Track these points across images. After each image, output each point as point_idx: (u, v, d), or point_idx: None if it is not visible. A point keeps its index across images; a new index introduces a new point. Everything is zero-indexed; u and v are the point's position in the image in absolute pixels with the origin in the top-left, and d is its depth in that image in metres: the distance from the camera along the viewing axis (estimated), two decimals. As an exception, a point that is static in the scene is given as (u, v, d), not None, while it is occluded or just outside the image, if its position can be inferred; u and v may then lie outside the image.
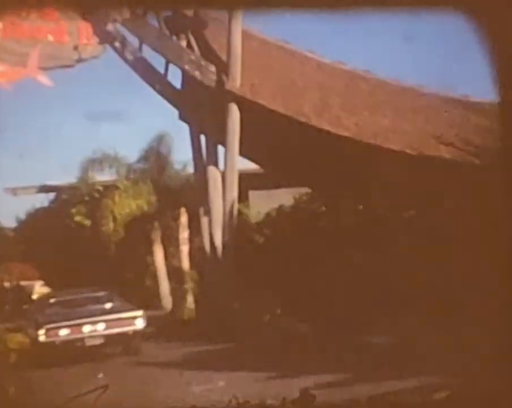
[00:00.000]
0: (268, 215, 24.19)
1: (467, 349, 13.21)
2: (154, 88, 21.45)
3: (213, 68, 20.95)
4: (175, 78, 21.87)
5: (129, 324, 17.35)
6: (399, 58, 23.51)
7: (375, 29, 16.19)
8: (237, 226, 20.38)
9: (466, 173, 19.38)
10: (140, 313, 17.53)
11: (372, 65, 21.88)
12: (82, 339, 17.06)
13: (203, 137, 21.64)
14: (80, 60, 20.98)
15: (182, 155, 27.31)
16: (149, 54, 21.45)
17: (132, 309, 17.77)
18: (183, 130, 21.87)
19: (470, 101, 22.34)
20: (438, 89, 22.35)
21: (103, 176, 24.62)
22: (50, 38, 20.36)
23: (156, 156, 24.12)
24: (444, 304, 16.72)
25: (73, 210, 25.32)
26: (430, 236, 20.86)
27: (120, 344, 17.33)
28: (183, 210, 23.28)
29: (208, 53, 21.39)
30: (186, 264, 23.00)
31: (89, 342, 17.06)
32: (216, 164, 21.18)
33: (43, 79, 19.98)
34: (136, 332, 17.36)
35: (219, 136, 21.11)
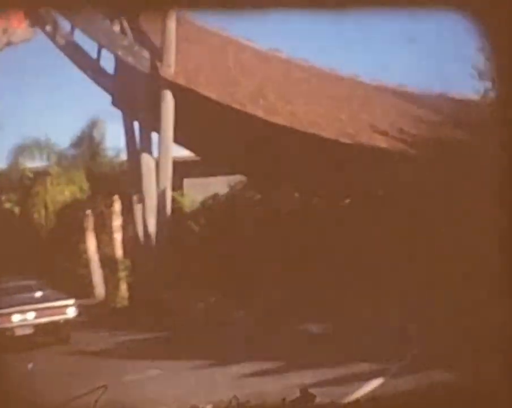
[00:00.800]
0: (203, 203, 24.05)
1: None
2: (86, 73, 20.99)
3: (147, 54, 20.61)
4: (108, 63, 21.50)
5: (60, 313, 16.99)
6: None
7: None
8: (171, 214, 20.13)
9: (400, 162, 19.64)
10: (71, 301, 17.18)
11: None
12: (12, 329, 16.64)
13: (136, 124, 21.32)
14: (9, 44, 20.39)
15: (115, 141, 26.86)
16: (81, 38, 21.02)
17: (63, 298, 17.40)
18: (116, 116, 21.52)
19: (406, 91, 22.56)
20: (372, 78, 22.61)
21: (34, 163, 24.08)
22: (-22, 20, 19.75)
23: (88, 142, 23.65)
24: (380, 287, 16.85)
25: (3, 197, 24.72)
26: (364, 224, 21.08)
27: (51, 334, 16.96)
28: (116, 197, 22.91)
29: (142, 39, 21.04)
30: (119, 252, 22.66)
31: (19, 332, 16.66)
32: (149, 151, 20.88)
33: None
34: (67, 321, 17.00)
35: (153, 123, 20.81)
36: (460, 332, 10.81)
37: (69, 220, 23.12)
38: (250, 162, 21.20)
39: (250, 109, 20.23)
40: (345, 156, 19.66)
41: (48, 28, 20.55)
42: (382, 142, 19.77)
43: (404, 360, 11.63)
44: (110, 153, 24.08)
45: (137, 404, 8.29)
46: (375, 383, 10.14)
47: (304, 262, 21.70)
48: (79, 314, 17.26)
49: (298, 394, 5.92)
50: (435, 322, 12.60)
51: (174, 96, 20.41)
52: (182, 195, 23.57)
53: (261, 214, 23.30)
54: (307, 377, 10.67)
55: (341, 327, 15.25)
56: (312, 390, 9.73)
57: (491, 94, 19.63)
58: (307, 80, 21.78)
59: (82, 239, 23.07)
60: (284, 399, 5.88)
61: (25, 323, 16.75)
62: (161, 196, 19.86)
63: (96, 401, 5.91)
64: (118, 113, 21.47)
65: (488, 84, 19.52)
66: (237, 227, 22.86)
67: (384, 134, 19.87)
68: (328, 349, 12.98)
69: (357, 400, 5.61)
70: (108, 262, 22.41)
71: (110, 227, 22.86)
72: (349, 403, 5.61)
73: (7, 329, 16.59)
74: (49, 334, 16.94)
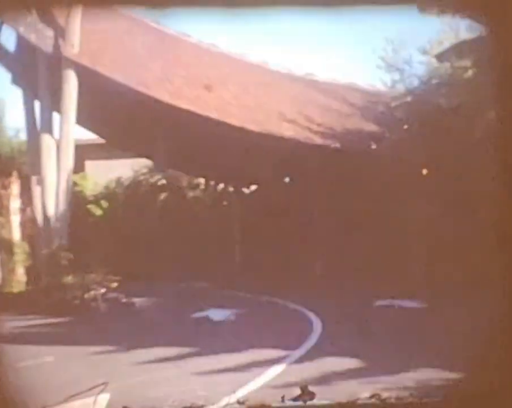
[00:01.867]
0: (106, 186, 23.56)
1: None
2: (-16, 50, 20.15)
3: (50, 33, 19.88)
4: (8, 40, 20.64)
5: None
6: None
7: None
8: (72, 197, 19.50)
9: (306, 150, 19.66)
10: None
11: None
12: None
13: (37, 104, 20.56)
14: None
15: (14, 121, 25.94)
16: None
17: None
18: (17, 94, 20.71)
19: (314, 80, 22.64)
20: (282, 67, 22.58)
21: None
22: None
23: (-14, 121, 22.76)
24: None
25: None
26: (274, 211, 21.14)
27: None
28: (14, 178, 22.12)
29: (46, 16, 20.30)
30: (16, 235, 21.91)
31: None
32: (50, 132, 20.11)
33: None
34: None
35: (55, 103, 20.11)
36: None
37: (-36, 201, 22.25)
38: (155, 147, 20.75)
39: (156, 93, 19.77)
40: (252, 143, 19.51)
41: None
42: (289, 130, 19.69)
43: (304, 347, 11.54)
44: (9, 133, 23.22)
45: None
46: (276, 370, 9.99)
47: (209, 249, 21.61)
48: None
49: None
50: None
51: (78, 76, 19.74)
52: (84, 178, 23.00)
53: (165, 199, 23.06)
54: (208, 363, 10.49)
55: (244, 314, 15.17)
56: (213, 376, 9.66)
57: (399, 86, 19.93)
58: (215, 65, 21.54)
59: (-22, 222, 22.23)
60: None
61: None
62: (62, 179, 19.20)
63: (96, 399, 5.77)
64: (18, 92, 20.70)
65: (395, 76, 19.78)
66: (140, 211, 22.52)
67: (292, 122, 19.81)
68: (230, 336, 12.87)
69: (357, 400, 5.43)
70: (5, 245, 21.61)
71: (8, 209, 22.06)
72: (348, 403, 5.43)
73: None
74: None
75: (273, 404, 5.84)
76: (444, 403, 5.36)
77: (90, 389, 5.99)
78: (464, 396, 5.36)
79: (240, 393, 8.61)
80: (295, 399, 5.70)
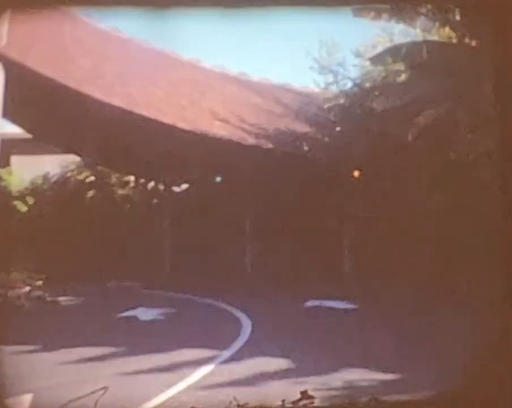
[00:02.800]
0: (32, 182, 23.02)
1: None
2: None
3: (-24, 22, 19.32)
4: None
5: None
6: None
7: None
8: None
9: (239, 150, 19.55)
10: None
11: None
12: None
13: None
14: None
15: None
16: None
17: None
18: None
19: (247, 80, 22.52)
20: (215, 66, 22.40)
21: None
22: None
23: None
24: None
25: None
26: (205, 210, 20.97)
27: None
28: None
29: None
30: None
31: None
32: (-25, 125, 19.60)
33: None
34: None
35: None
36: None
37: None
38: (84, 143, 20.35)
39: (86, 88, 19.36)
40: (183, 141, 19.29)
41: None
42: (221, 129, 19.52)
43: (233, 347, 11.42)
44: None
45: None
46: (205, 370, 9.84)
47: (136, 247, 21.31)
48: None
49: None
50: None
51: (5, 69, 19.18)
52: (9, 173, 22.41)
53: (94, 196, 22.65)
54: (136, 363, 10.27)
55: (173, 314, 14.98)
56: (140, 377, 9.45)
57: (332, 88, 20.00)
58: (147, 62, 21.21)
59: None
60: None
61: None
62: (-14, 174, 18.70)
63: (97, 402, 5.72)
64: None
65: (329, 78, 19.84)
66: (68, 208, 22.05)
67: (224, 121, 19.65)
68: (158, 336, 12.65)
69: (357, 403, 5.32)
70: None
71: None
72: (349, 403, 5.31)
73: None
74: None
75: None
76: (444, 403, 5.31)
77: (90, 393, 5.94)
78: (463, 396, 5.30)
79: (168, 393, 8.47)
80: (295, 403, 5.62)
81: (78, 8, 20.39)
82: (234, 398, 5.82)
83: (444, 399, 5.44)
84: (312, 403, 5.55)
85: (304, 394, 5.66)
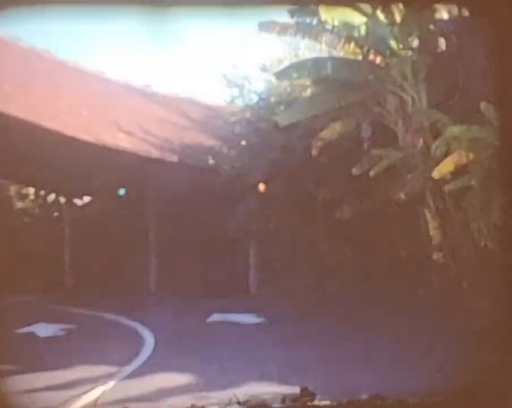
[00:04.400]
0: None
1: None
2: None
3: None
4: None
5: None
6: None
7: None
8: None
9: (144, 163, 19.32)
10: None
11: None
12: None
13: None
14: None
15: None
16: None
17: None
18: None
19: (152, 92, 22.31)
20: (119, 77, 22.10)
21: None
22: None
23: None
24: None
25: None
26: (108, 224, 20.66)
27: None
28: None
29: None
30: None
31: None
32: None
33: None
34: None
35: None
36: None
37: None
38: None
39: (-18, 97, 18.74)
40: (85, 153, 18.88)
41: None
42: (125, 142, 19.23)
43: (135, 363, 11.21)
44: None
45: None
46: (106, 386, 9.57)
47: (36, 261, 20.80)
48: None
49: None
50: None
51: None
52: None
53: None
54: (33, 381, 9.90)
55: (74, 330, 14.61)
56: (37, 394, 9.11)
57: (238, 102, 20.00)
58: (49, 71, 20.73)
59: None
60: (284, 398, 5.41)
61: None
62: None
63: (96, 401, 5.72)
64: None
65: (235, 91, 19.83)
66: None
67: (128, 133, 19.37)
68: (58, 353, 12.28)
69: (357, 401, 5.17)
70: None
71: None
72: (349, 402, 5.14)
73: None
74: None
75: (274, 405, 5.63)
76: (445, 403, 5.24)
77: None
78: (464, 396, 5.25)
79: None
80: (295, 400, 5.50)
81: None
82: (234, 395, 5.72)
83: (445, 399, 5.41)
84: (313, 400, 5.48)
85: (304, 391, 5.58)
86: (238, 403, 5.53)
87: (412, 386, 8.69)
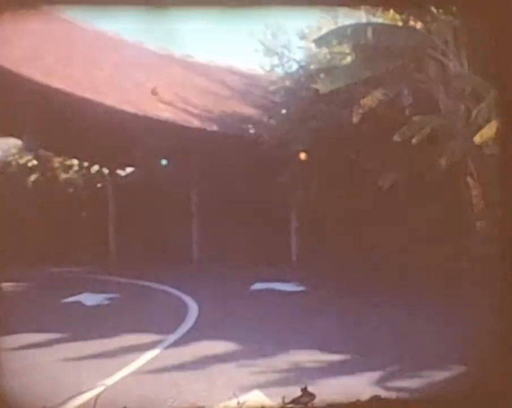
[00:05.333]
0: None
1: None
2: None
3: None
4: None
5: None
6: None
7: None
8: None
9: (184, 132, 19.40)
10: None
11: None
12: None
13: None
14: None
15: None
16: None
17: None
18: None
19: (192, 62, 22.33)
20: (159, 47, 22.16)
21: None
22: None
23: None
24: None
25: None
26: (151, 194, 20.79)
27: None
28: None
29: None
30: None
31: None
32: None
33: None
34: None
35: None
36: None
37: None
38: (25, 126, 19.93)
39: (26, 71, 18.95)
40: (127, 124, 19.03)
41: None
42: (166, 112, 19.33)
43: (179, 331, 11.35)
44: None
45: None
46: (151, 354, 9.74)
47: (81, 232, 21.07)
48: None
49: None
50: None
51: None
52: None
53: (36, 180, 22.32)
54: (80, 349, 10.10)
55: (119, 299, 14.82)
56: (83, 362, 9.30)
57: (277, 70, 19.95)
58: (89, 43, 20.88)
59: None
60: (283, 398, 5.53)
61: None
62: None
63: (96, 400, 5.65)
64: None
65: (274, 60, 19.78)
66: (9, 193, 21.71)
67: (168, 103, 19.46)
68: (103, 322, 12.49)
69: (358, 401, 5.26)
70: None
71: None
72: (350, 403, 5.24)
73: None
74: None
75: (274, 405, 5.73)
76: (445, 403, 5.29)
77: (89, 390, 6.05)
78: (464, 395, 5.30)
79: (114, 378, 8.36)
80: (295, 401, 5.58)
81: (74, 8, 20.00)
82: (234, 394, 5.78)
83: (447, 399, 5.45)
84: (313, 400, 5.54)
85: (304, 392, 5.64)
86: (238, 403, 5.58)
87: (451, 356, 8.80)
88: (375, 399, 5.24)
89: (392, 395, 7.25)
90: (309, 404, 5.54)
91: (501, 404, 4.59)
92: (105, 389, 5.79)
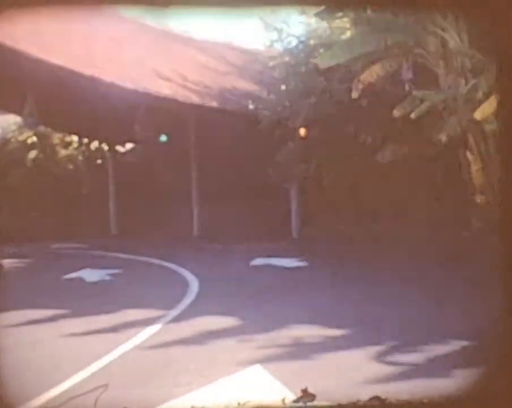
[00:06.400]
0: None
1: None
2: None
3: None
4: None
5: None
6: None
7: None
8: None
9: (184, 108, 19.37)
10: None
11: None
12: None
13: None
14: None
15: None
16: None
17: None
18: None
19: (191, 38, 22.27)
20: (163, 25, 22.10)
21: None
22: None
23: None
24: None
25: None
26: (151, 170, 20.76)
27: None
28: None
29: None
30: None
31: None
32: None
33: None
34: None
35: None
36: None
37: None
38: (24, 102, 19.88)
39: (24, 46, 18.87)
40: (126, 100, 18.99)
41: None
42: (165, 88, 19.27)
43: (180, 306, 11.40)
44: None
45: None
46: (152, 329, 9.79)
47: (80, 208, 21.08)
48: None
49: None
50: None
51: None
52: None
53: (36, 157, 22.31)
54: (81, 325, 10.16)
55: (120, 275, 14.88)
56: (85, 338, 9.36)
57: (277, 46, 19.86)
58: (87, 19, 20.73)
59: None
60: (283, 399, 5.55)
61: None
62: None
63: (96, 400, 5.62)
64: None
65: (273, 35, 19.68)
66: (9, 170, 21.72)
67: (168, 79, 19.40)
68: (104, 297, 12.55)
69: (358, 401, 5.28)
70: None
71: None
72: (350, 403, 5.25)
73: None
74: None
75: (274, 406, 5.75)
76: (446, 403, 5.31)
77: (90, 390, 5.88)
78: (464, 396, 5.32)
79: (116, 353, 8.41)
80: (295, 401, 5.60)
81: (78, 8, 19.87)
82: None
83: (450, 400, 5.47)
84: (313, 401, 5.55)
85: (304, 392, 5.66)
86: (238, 404, 5.61)
87: (451, 330, 8.85)
88: (375, 399, 5.27)
89: (392, 369, 7.31)
90: (309, 404, 5.57)
91: (501, 404, 4.61)
92: (105, 390, 5.81)
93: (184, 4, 5.50)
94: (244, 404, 5.35)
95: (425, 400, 5.07)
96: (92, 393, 5.78)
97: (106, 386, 5.85)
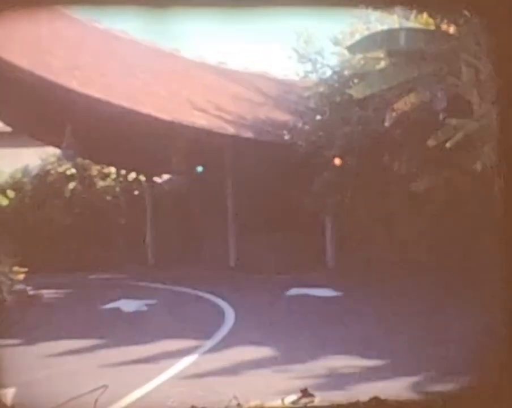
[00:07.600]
0: (12, 176, 23.00)
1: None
2: None
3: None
4: None
5: None
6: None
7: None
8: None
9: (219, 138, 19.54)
10: None
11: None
12: None
13: None
14: None
15: None
16: None
17: None
18: None
19: (226, 69, 22.49)
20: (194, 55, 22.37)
21: None
22: None
23: None
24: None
25: None
26: (187, 201, 20.86)
27: None
28: None
29: None
30: None
31: None
32: (-46, 120, 19.46)
33: None
34: None
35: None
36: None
37: None
38: (63, 135, 20.21)
39: (63, 80, 19.22)
40: (163, 131, 19.23)
41: None
42: (200, 119, 19.48)
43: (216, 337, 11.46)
44: None
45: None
46: (188, 360, 9.86)
47: (118, 239, 21.24)
48: None
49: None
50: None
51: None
52: (-11, 167, 22.35)
53: (74, 188, 22.58)
54: (118, 355, 10.26)
55: (157, 305, 14.99)
56: (122, 368, 9.45)
57: (311, 76, 20.00)
58: (125, 52, 21.13)
59: None
60: (283, 399, 5.65)
61: None
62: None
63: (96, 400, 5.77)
64: None
65: (307, 66, 19.85)
66: (48, 201, 22.01)
67: (203, 110, 19.60)
68: (141, 327, 12.67)
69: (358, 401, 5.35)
70: None
71: None
72: (350, 403, 5.33)
73: None
74: None
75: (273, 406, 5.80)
76: (446, 403, 5.33)
77: (90, 391, 5.98)
78: (464, 396, 5.34)
79: (152, 384, 8.49)
80: (295, 402, 5.65)
81: (77, 8, 20.28)
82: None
83: (448, 400, 5.48)
84: (312, 401, 5.58)
85: (304, 393, 5.69)
86: (238, 405, 5.63)
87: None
88: (375, 399, 5.28)
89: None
90: (309, 405, 5.58)
91: (501, 404, 4.60)
92: (105, 390, 5.85)
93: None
94: (244, 403, 5.37)
95: (426, 401, 5.07)
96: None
97: (106, 386, 5.87)
